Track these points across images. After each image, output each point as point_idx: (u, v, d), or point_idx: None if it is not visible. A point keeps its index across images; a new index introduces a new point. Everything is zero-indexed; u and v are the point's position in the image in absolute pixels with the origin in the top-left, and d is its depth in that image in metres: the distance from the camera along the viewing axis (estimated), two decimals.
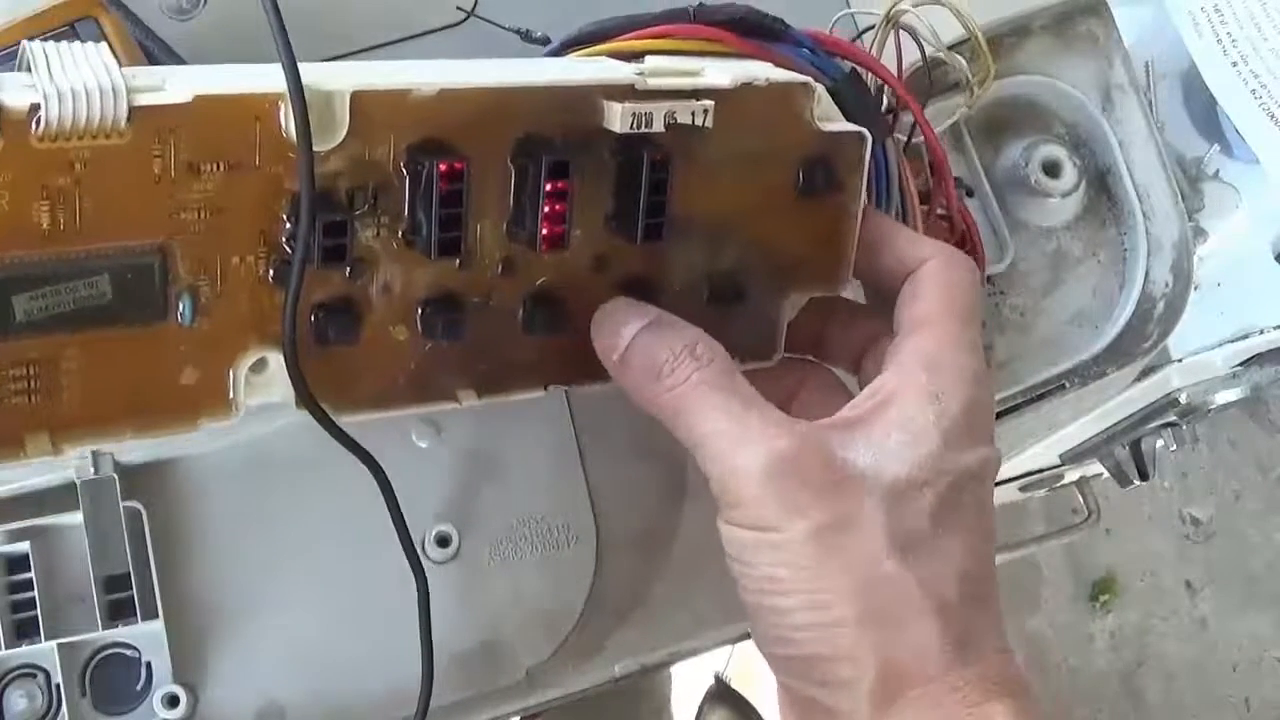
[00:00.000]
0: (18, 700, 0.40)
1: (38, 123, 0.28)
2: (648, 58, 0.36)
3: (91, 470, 0.38)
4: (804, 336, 0.40)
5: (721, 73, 0.35)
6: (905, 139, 0.41)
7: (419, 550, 0.42)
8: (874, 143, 0.38)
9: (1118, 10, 0.52)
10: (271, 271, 0.32)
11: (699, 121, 0.34)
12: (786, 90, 0.36)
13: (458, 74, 0.33)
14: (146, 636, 0.41)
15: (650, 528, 0.46)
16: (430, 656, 0.40)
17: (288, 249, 0.32)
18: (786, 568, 0.33)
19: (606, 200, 0.35)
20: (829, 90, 0.37)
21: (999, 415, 0.49)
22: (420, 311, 0.34)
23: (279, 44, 0.30)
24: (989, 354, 0.49)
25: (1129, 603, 1.67)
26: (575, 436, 0.45)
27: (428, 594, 0.40)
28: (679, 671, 0.95)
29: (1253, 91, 0.53)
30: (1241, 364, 0.64)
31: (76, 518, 0.39)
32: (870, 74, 0.40)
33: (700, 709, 0.97)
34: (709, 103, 0.34)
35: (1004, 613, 0.35)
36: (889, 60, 0.41)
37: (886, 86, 0.40)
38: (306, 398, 0.33)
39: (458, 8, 0.45)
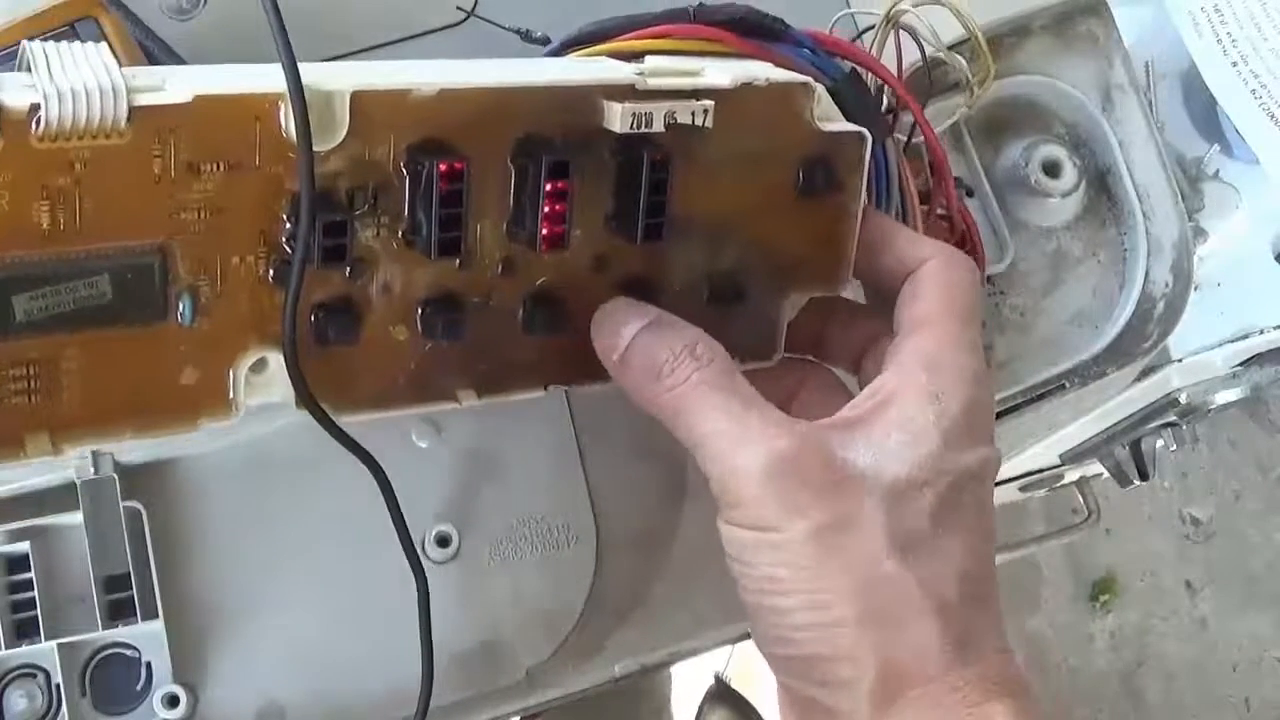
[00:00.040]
0: (18, 700, 0.40)
1: (38, 123, 0.28)
2: (648, 58, 0.36)
3: (91, 470, 0.38)
4: (804, 336, 0.40)
5: (721, 73, 0.35)
6: (905, 139, 0.41)
7: (419, 550, 0.42)
8: (874, 143, 0.38)
9: (1118, 10, 0.52)
10: (271, 271, 0.32)
11: (699, 121, 0.34)
12: (786, 90, 0.36)
13: (458, 74, 0.33)
14: (146, 636, 0.41)
15: (650, 528, 0.46)
16: (430, 656, 0.40)
17: (288, 249, 0.32)
18: (786, 568, 0.33)
19: (606, 200, 0.35)
20: (829, 90, 0.37)
21: (999, 415, 0.49)
22: (420, 311, 0.34)
23: (279, 44, 0.30)
24: (989, 354, 0.49)
25: (1129, 603, 1.67)
26: (575, 436, 0.45)
27: (428, 594, 0.40)
28: (679, 671, 0.95)
29: (1253, 91, 0.53)
30: (1241, 364, 0.64)
31: (76, 518, 0.39)
32: (870, 74, 0.40)
33: (700, 709, 0.97)
34: (709, 103, 0.34)
35: (1004, 613, 0.35)
36: (889, 60, 0.41)
37: (886, 86, 0.40)
38: (306, 398, 0.33)
39: (458, 8, 0.45)
